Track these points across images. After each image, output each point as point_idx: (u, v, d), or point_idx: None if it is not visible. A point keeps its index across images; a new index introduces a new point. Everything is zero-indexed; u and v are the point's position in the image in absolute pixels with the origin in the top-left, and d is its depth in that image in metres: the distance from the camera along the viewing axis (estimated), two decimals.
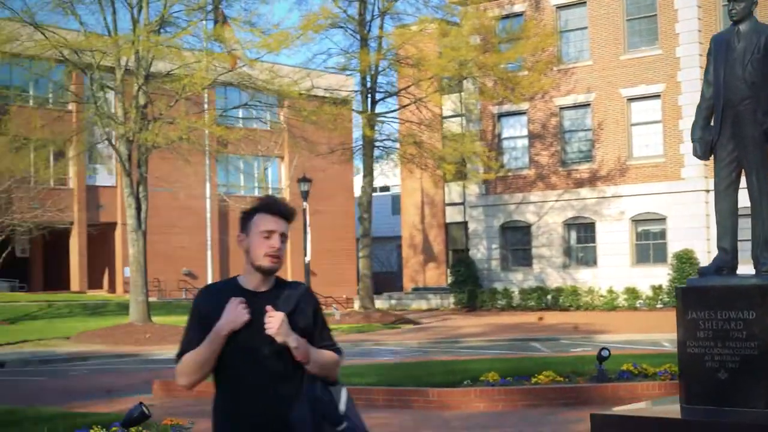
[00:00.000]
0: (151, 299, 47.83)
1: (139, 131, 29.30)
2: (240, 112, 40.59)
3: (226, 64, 30.34)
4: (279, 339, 4.24)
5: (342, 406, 4.35)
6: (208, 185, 42.36)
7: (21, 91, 44.80)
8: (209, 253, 43.08)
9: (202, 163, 42.04)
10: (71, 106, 40.03)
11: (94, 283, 55.56)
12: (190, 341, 4.34)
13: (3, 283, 52.62)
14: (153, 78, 30.49)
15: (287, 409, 4.27)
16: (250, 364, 4.29)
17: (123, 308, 38.35)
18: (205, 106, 36.89)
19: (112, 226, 54.10)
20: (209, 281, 42.15)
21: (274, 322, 4.25)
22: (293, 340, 4.28)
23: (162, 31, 30.67)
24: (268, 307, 4.28)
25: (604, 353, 14.01)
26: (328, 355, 4.45)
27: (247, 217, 4.43)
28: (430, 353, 25.28)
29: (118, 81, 30.53)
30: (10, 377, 22.49)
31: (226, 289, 4.39)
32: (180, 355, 4.34)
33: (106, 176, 53.16)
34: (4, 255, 39.26)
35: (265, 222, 4.36)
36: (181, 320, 36.52)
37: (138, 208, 30.80)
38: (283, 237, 4.40)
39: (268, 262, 4.34)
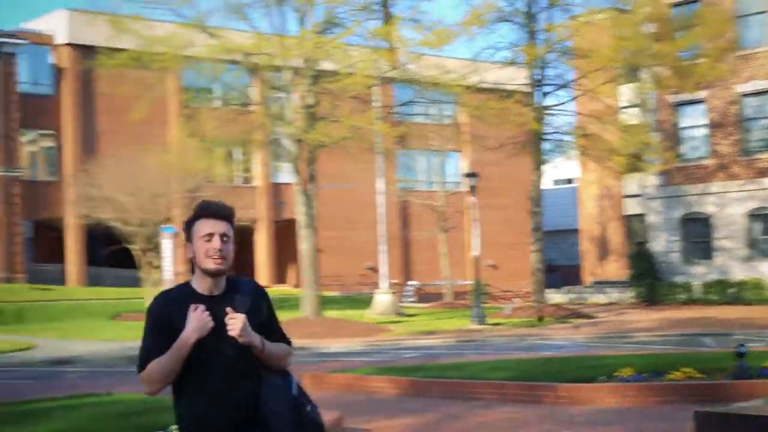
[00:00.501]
0: (332, 293, 49.24)
1: (306, 131, 30.14)
2: (413, 108, 41.04)
3: (389, 61, 30.79)
4: (242, 340, 4.38)
5: (294, 391, 4.55)
6: (382, 181, 42.98)
7: (205, 93, 46.52)
8: (385, 247, 43.70)
9: (375, 160, 42.73)
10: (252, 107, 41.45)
11: (280, 278, 57.44)
12: (149, 350, 4.41)
13: None
14: (320, 78, 31.29)
15: (251, 404, 4.44)
16: (215, 366, 4.41)
17: None
18: (375, 103, 37.45)
19: (294, 222, 55.68)
20: (386, 276, 42.86)
21: (236, 324, 4.36)
22: (255, 339, 4.42)
23: (328, 31, 31.40)
24: (228, 310, 4.40)
25: (741, 350, 13.61)
26: (282, 347, 4.61)
27: (187, 227, 4.54)
28: (593, 348, 24.99)
29: (286, 82, 31.48)
30: None
31: (183, 294, 4.50)
32: (141, 366, 4.42)
33: (287, 174, 54.67)
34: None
35: (203, 226, 4.46)
36: (359, 314, 37.53)
37: (308, 205, 31.67)
38: (225, 237, 4.47)
39: (212, 264, 4.42)
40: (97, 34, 36.79)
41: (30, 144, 52.14)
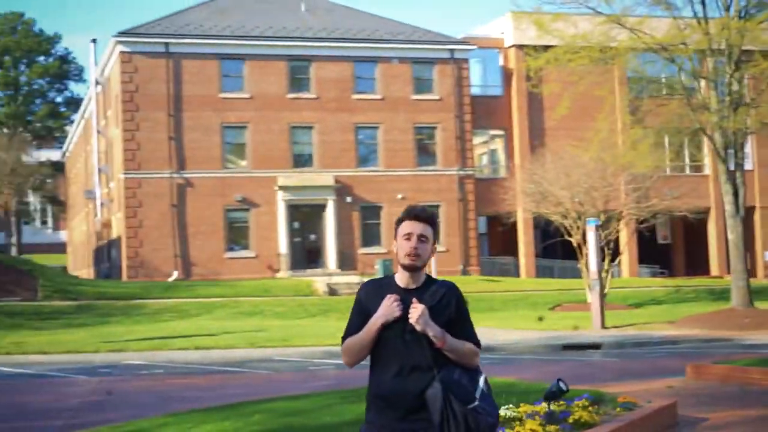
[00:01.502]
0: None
1: (726, 117, 29.30)
2: None
3: None
4: (418, 328, 4.93)
5: (478, 392, 5.01)
6: None
7: (651, 84, 46.33)
8: None
9: None
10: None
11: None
12: (350, 327, 5.20)
13: (644, 269, 54.89)
14: (744, 63, 30.23)
15: (423, 389, 4.98)
16: (396, 349, 5.01)
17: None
18: None
19: (751, 210, 53.52)
20: None
21: (416, 313, 4.92)
22: (431, 329, 4.93)
23: (752, 12, 30.24)
24: (414, 300, 4.99)
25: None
26: (466, 345, 5.07)
27: (396, 226, 5.23)
28: None
29: (709, 69, 30.78)
30: (594, 358, 24.17)
31: (384, 284, 5.17)
32: (344, 338, 5.21)
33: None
34: (626, 243, 41.09)
35: (405, 227, 5.10)
36: None
37: (735, 194, 30.75)
38: (423, 238, 5.07)
39: (408, 260, 5.05)
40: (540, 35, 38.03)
41: (482, 143, 55.09)
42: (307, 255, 49.97)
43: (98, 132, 56.04)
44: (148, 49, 47.89)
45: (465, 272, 50.86)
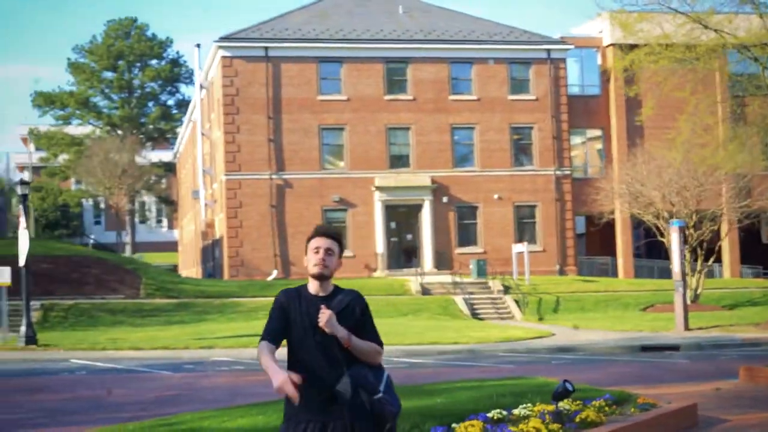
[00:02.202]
0: None
1: None
2: None
3: None
4: (327, 330, 5.57)
5: (382, 385, 5.64)
6: None
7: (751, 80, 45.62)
8: None
9: None
10: None
11: None
12: (269, 328, 5.77)
13: (747, 270, 54.01)
14: None
15: (333, 380, 5.62)
16: (308, 349, 5.66)
17: None
18: None
19: None
20: None
21: (324, 317, 5.56)
22: (338, 331, 5.56)
23: None
24: (322, 306, 5.63)
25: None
26: (369, 344, 5.71)
27: (306, 243, 5.91)
28: None
29: None
30: (668, 360, 24.22)
31: (299, 292, 5.79)
32: (262, 338, 5.77)
33: None
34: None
35: (314, 242, 5.81)
36: None
37: None
38: (329, 251, 5.76)
39: (316, 270, 5.72)
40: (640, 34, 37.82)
41: (579, 143, 54.93)
42: (403, 255, 50.68)
43: (202, 134, 57.76)
44: (249, 54, 49.23)
45: (561, 272, 50.86)
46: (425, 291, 44.21)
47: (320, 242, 5.82)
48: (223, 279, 48.71)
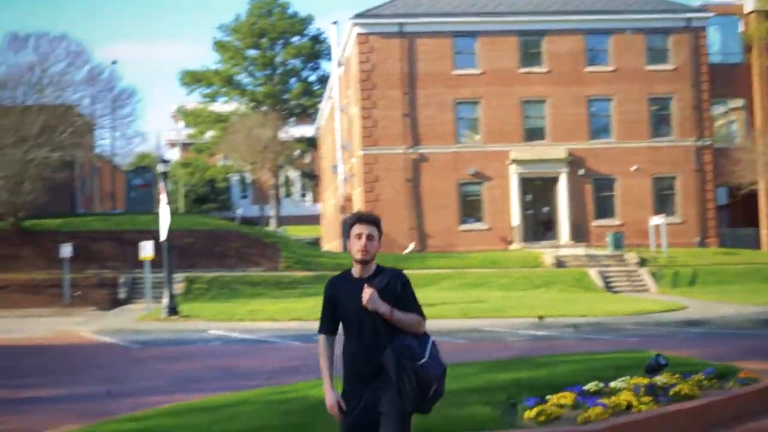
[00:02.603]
0: None
1: None
2: None
3: None
4: (369, 307, 6.21)
5: (427, 352, 6.22)
6: None
7: None
8: None
9: None
10: None
11: None
12: (323, 319, 6.51)
13: None
14: None
15: (380, 353, 6.24)
16: (356, 323, 6.30)
17: None
18: None
19: None
20: None
21: (365, 296, 6.20)
22: (380, 307, 6.19)
23: None
24: (366, 286, 6.25)
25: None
26: (411, 316, 6.30)
27: (346, 227, 6.48)
28: None
29: None
30: None
31: (344, 277, 6.47)
32: (319, 331, 6.53)
33: None
34: None
35: (355, 229, 6.37)
36: None
37: None
38: (370, 237, 6.32)
39: (359, 255, 6.31)
40: None
41: (721, 113, 53.67)
42: (539, 227, 50.64)
43: (340, 110, 58.76)
44: (384, 30, 49.84)
45: (702, 244, 49.95)
46: (560, 264, 44.18)
47: (361, 229, 6.36)
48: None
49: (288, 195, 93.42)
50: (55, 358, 22.02)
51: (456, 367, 15.21)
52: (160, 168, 31.53)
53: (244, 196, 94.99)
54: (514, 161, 49.82)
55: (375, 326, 6.26)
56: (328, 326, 6.46)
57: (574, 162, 50.14)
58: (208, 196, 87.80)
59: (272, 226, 72.53)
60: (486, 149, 50.07)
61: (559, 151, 50.11)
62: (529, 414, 9.89)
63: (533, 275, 41.21)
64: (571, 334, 24.55)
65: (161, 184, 31.82)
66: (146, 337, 26.65)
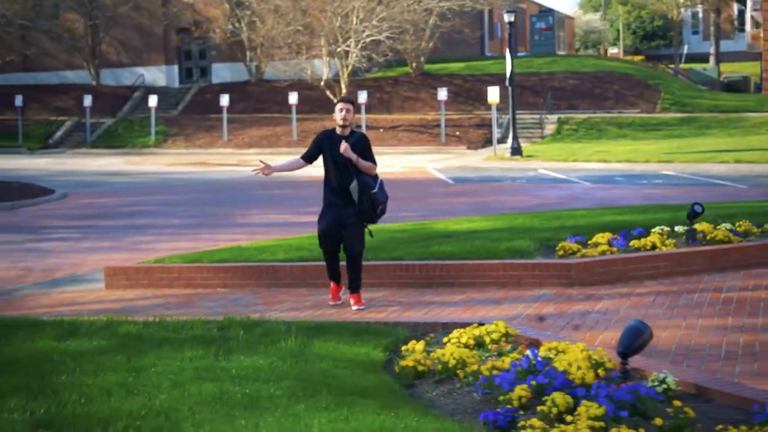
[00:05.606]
0: None
1: None
2: None
3: None
4: (345, 154, 9.72)
5: (377, 186, 9.80)
6: None
7: None
8: None
9: None
10: None
11: None
12: (306, 152, 10.17)
13: None
14: None
15: (348, 183, 9.74)
16: (334, 164, 9.80)
17: None
18: None
19: None
20: None
21: (342, 146, 9.71)
22: (351, 156, 9.70)
23: None
24: (342, 140, 9.78)
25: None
26: (368, 163, 9.84)
27: (334, 106, 10.13)
28: None
29: None
30: None
31: (331, 132, 9.98)
32: (301, 157, 10.14)
33: None
34: None
35: (338, 106, 9.95)
36: None
37: None
38: (348, 110, 9.82)
39: (341, 122, 9.82)
40: None
41: None
42: None
43: None
44: None
45: None
46: None
47: (342, 105, 9.96)
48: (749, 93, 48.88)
49: (741, 30, 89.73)
50: None
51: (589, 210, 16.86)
52: (506, 18, 34.16)
53: (695, 32, 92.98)
54: None
55: (346, 166, 9.77)
56: (307, 157, 10.12)
57: None
58: (656, 32, 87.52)
59: (711, 64, 71.05)
60: None
61: None
62: (558, 250, 12.09)
63: None
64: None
65: (507, 34, 34.68)
66: (474, 174, 29.89)
